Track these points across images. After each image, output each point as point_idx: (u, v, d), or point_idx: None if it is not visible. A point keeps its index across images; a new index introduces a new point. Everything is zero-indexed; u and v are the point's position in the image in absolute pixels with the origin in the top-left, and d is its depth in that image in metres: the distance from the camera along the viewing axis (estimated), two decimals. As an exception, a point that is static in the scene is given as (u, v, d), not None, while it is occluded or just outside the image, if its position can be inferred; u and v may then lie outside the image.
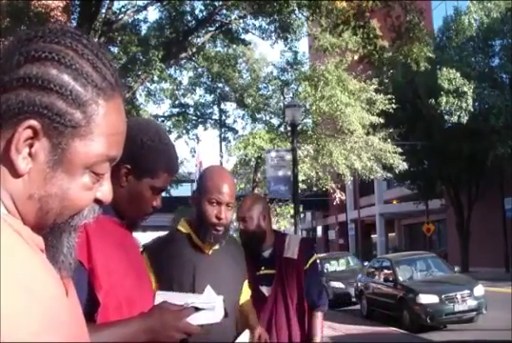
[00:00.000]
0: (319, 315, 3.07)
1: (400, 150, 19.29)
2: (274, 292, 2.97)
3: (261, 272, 2.98)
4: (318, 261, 3.17)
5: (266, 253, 3.03)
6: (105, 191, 0.83)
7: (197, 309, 1.54)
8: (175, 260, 2.14)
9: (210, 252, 2.23)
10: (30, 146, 0.74)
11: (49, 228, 0.79)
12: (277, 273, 2.98)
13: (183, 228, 2.27)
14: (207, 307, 1.57)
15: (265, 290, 2.98)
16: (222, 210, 2.15)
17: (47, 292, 0.70)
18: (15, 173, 0.74)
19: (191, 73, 24.50)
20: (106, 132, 0.79)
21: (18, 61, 0.75)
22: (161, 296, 1.66)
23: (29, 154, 0.74)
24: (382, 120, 18.48)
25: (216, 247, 2.23)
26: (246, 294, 2.43)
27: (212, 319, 1.60)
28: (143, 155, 1.64)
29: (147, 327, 1.44)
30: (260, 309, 2.86)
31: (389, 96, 18.66)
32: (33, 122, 0.73)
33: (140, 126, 1.70)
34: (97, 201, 0.83)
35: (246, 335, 2.21)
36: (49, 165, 0.75)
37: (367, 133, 18.64)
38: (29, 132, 0.73)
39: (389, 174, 20.66)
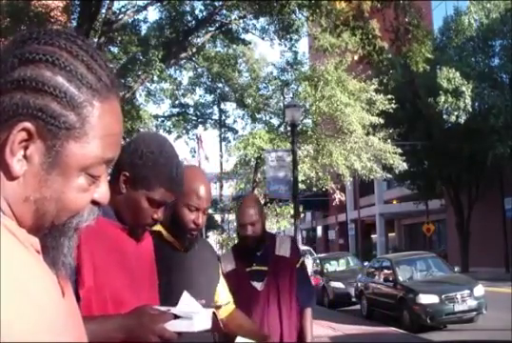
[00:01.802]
0: (309, 312, 3.14)
1: (400, 150, 19.28)
2: (267, 288, 3.01)
3: (252, 268, 3.03)
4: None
5: (258, 251, 3.08)
6: (102, 192, 0.82)
7: (176, 316, 1.53)
8: None
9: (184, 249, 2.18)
10: (25, 148, 0.73)
11: (48, 229, 0.78)
12: (270, 270, 3.03)
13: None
14: (184, 315, 1.55)
15: (256, 285, 3.02)
16: (200, 216, 2.09)
17: (43, 293, 0.70)
18: (10, 176, 0.73)
19: (191, 73, 24.57)
20: (101, 134, 0.78)
21: (12, 63, 0.75)
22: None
23: (24, 157, 0.74)
24: (381, 120, 18.46)
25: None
26: (229, 302, 2.36)
27: (189, 328, 1.57)
28: (140, 165, 1.66)
29: (124, 326, 1.45)
30: (252, 303, 2.94)
31: (389, 96, 18.63)
32: (28, 124, 0.73)
33: (144, 137, 1.77)
34: (94, 202, 0.82)
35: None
36: (44, 167, 0.75)
37: (367, 134, 18.61)
38: (23, 135, 0.73)
39: (389, 175, 20.64)
